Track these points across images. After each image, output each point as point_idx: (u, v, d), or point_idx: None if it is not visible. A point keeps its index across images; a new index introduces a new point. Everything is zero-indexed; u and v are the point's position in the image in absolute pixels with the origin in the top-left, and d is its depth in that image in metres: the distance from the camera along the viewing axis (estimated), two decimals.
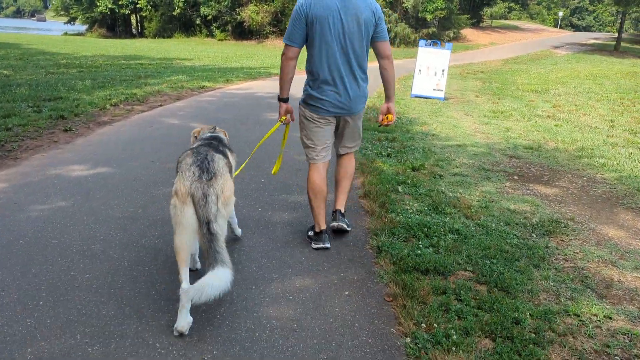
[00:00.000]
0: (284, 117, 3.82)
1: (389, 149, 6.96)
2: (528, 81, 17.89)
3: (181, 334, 2.74)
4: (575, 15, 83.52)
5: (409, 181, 5.49)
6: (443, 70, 12.29)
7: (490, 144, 7.68)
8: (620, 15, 34.11)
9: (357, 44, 3.53)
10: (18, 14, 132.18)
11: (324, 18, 3.42)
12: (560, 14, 64.36)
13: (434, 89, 12.26)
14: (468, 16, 38.17)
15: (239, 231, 3.98)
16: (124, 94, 10.70)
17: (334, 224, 3.96)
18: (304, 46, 3.61)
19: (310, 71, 3.66)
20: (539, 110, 11.23)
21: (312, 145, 3.79)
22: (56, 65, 17.29)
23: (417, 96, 12.34)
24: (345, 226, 4.01)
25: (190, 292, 2.60)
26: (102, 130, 7.62)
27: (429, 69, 12.34)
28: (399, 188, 5.27)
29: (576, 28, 78.49)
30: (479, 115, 10.33)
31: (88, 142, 6.83)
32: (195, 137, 3.75)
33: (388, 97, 3.85)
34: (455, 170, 6.13)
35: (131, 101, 10.18)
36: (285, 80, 3.67)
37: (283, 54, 3.58)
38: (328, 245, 3.78)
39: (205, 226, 2.70)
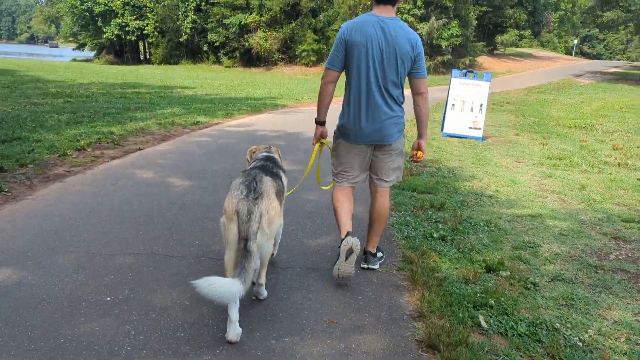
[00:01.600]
0: (318, 144, 3.85)
1: (439, 226, 4.81)
2: (564, 114, 15.76)
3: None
4: (586, 43, 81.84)
5: (491, 301, 3.33)
6: (481, 105, 10.20)
7: (574, 214, 5.51)
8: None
9: (392, 76, 3.46)
10: (32, 40, 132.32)
11: (362, 45, 3.41)
12: (575, 41, 62.55)
13: (471, 127, 10.15)
14: (484, 43, 36.35)
15: (275, 250, 3.82)
16: (99, 134, 8.68)
17: (364, 265, 3.85)
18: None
19: (345, 97, 3.63)
20: (601, 154, 9.07)
21: (341, 171, 3.79)
22: (43, 94, 15.39)
23: (450, 135, 10.23)
24: (376, 267, 3.88)
25: (199, 281, 2.57)
26: (45, 190, 5.52)
27: (464, 103, 10.25)
28: (481, 320, 3.11)
29: (587, 56, 76.70)
30: (533, 162, 8.18)
31: (10, 216, 4.71)
32: (252, 154, 3.85)
33: (420, 134, 3.81)
34: (551, 270, 3.96)
35: (104, 143, 8.13)
36: (322, 104, 3.65)
37: (323, 77, 3.57)
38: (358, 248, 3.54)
39: (242, 242, 2.78)
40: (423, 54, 3.53)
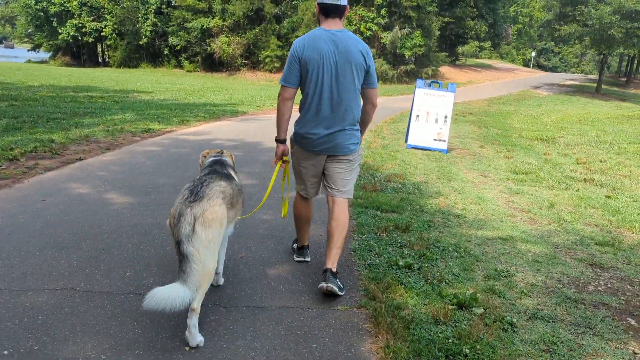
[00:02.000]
0: (280, 162, 3.80)
1: (405, 251, 4.35)
2: (526, 126, 15.73)
3: None
4: (542, 56, 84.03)
5: (465, 348, 2.86)
6: (446, 117, 9.87)
7: (546, 236, 5.14)
8: (602, 57, 32.88)
9: (348, 87, 3.49)
10: None
11: (315, 61, 3.42)
12: (533, 54, 64.05)
13: (435, 139, 9.80)
14: (446, 54, 36.57)
15: (220, 280, 3.53)
16: (38, 141, 7.91)
17: (323, 284, 3.42)
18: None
19: (300, 109, 3.63)
20: (566, 169, 8.86)
21: (299, 179, 3.84)
22: None
23: (414, 147, 9.86)
24: (336, 290, 3.44)
25: (145, 300, 2.49)
26: None
27: (428, 114, 9.90)
28: None
29: (543, 68, 78.74)
30: (499, 177, 7.86)
31: None
32: (203, 159, 3.75)
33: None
34: (528, 305, 3.53)
35: (41, 152, 7.38)
36: (282, 121, 3.63)
37: (279, 94, 3.53)
38: (308, 259, 4.02)
39: (177, 245, 2.71)
40: (373, 64, 3.61)
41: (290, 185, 4.04)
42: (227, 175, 3.22)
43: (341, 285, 3.55)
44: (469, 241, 4.79)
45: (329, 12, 3.47)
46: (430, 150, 9.75)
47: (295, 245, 4.19)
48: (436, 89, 10.00)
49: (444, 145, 9.75)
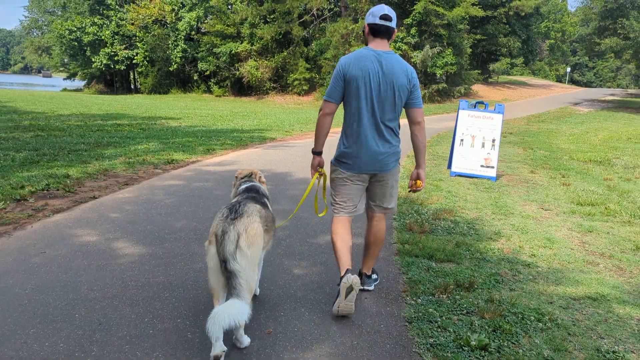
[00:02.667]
0: (317, 173, 3.83)
1: (475, 321, 3.42)
2: (574, 146, 14.57)
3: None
4: (576, 71, 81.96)
5: None
6: (494, 141, 8.92)
7: None
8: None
9: (389, 108, 3.52)
10: (25, 70, 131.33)
11: (360, 79, 3.46)
12: (568, 69, 62.20)
13: (482, 166, 8.85)
14: (479, 71, 35.48)
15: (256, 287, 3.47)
16: (52, 177, 7.31)
17: (359, 286, 3.57)
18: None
19: (343, 129, 3.64)
20: (637, 197, 7.77)
21: (340, 202, 3.73)
22: (15, 127, 14.10)
23: (459, 174, 8.92)
24: (371, 289, 3.93)
25: (208, 325, 2.51)
26: None
27: (474, 138, 8.97)
28: None
29: (577, 84, 76.63)
30: (562, 209, 6.86)
31: None
32: (236, 180, 3.82)
33: (418, 164, 3.77)
34: None
35: (53, 190, 6.75)
36: (320, 135, 3.69)
37: (321, 109, 3.60)
38: (358, 286, 3.50)
39: (222, 264, 2.73)
40: (418, 85, 3.60)
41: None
42: (262, 202, 3.30)
43: (375, 277, 4.03)
44: (551, 303, 3.83)
45: (378, 33, 3.54)
46: (477, 177, 8.79)
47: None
48: (482, 110, 9.07)
49: (492, 172, 8.78)
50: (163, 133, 13.91)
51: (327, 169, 3.84)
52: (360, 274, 3.89)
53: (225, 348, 2.71)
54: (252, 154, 10.84)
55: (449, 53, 30.98)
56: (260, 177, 3.82)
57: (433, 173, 9.10)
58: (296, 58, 33.73)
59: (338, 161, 3.70)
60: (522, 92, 38.13)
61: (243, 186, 3.59)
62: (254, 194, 3.38)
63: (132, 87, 48.08)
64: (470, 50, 33.95)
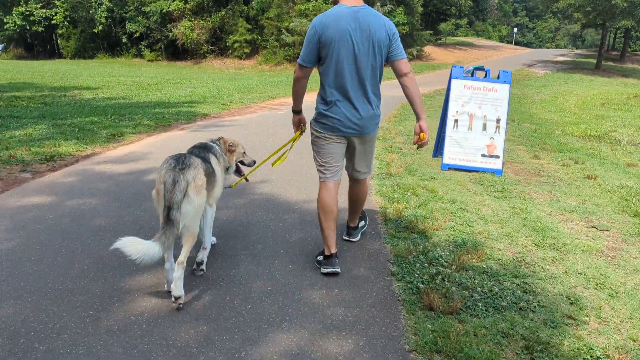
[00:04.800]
0: (299, 131, 3.77)
1: None
2: (557, 117, 12.58)
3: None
4: (517, 32, 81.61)
5: None
6: (499, 121, 6.54)
7: None
8: (602, 31, 29.84)
9: (369, 66, 3.32)
10: None
11: (336, 40, 3.23)
12: (515, 30, 61.01)
13: (484, 155, 6.47)
14: (431, 32, 33.13)
15: (212, 239, 3.65)
16: None
17: (346, 237, 4.06)
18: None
19: (321, 90, 3.46)
20: None
21: (323, 163, 3.56)
22: None
23: (454, 168, 6.52)
24: (354, 239, 4.06)
25: (120, 240, 2.67)
26: None
27: (472, 118, 6.55)
28: None
29: (518, 44, 76.31)
30: (622, 227, 4.60)
31: None
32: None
33: (418, 116, 3.50)
34: None
35: None
36: (297, 97, 3.58)
37: (295, 72, 3.42)
38: (338, 270, 3.45)
39: (166, 210, 2.81)
40: (398, 36, 3.37)
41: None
42: (203, 158, 3.25)
43: (362, 224, 4.16)
44: None
45: None
46: (477, 171, 6.43)
47: (320, 257, 3.60)
48: (482, 79, 6.62)
49: (497, 164, 6.43)
50: (66, 109, 10.74)
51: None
52: (347, 227, 4.05)
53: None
54: (172, 140, 7.99)
55: (400, 12, 28.44)
56: (231, 145, 3.71)
57: (419, 166, 6.65)
58: (235, 18, 30.16)
59: (317, 122, 3.50)
60: (474, 54, 36.17)
61: (196, 144, 3.54)
62: (197, 150, 3.38)
63: (55, 51, 42.74)
64: (422, 9, 31.51)
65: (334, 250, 3.47)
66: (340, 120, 3.37)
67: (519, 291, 3.27)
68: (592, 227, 4.63)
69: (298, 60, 3.38)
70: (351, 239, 4.02)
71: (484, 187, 5.78)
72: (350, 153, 3.62)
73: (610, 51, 40.23)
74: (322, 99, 3.45)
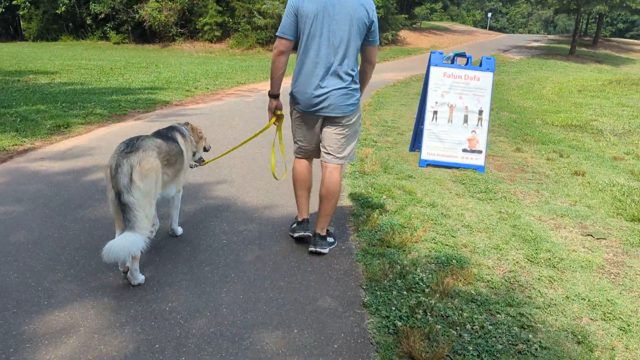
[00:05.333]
0: (273, 118, 3.52)
1: None
2: (535, 104, 12.13)
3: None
4: (491, 17, 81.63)
5: None
6: (481, 113, 5.97)
7: None
8: (576, 16, 29.58)
9: (346, 43, 3.14)
10: None
11: (313, 13, 3.09)
12: (489, 15, 60.75)
13: (466, 150, 5.91)
14: (406, 16, 32.42)
15: (178, 230, 3.65)
16: None
17: (311, 248, 3.47)
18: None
19: (297, 65, 3.28)
20: None
21: (297, 140, 3.52)
22: None
23: (432, 164, 5.94)
24: (325, 251, 3.48)
25: (103, 252, 2.52)
26: None
27: (452, 109, 5.96)
28: None
29: (492, 29, 76.32)
30: (619, 233, 4.10)
31: None
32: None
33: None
34: None
35: None
36: (276, 76, 3.30)
37: (274, 47, 3.23)
38: (310, 234, 3.54)
39: (117, 196, 2.72)
40: (377, 19, 3.24)
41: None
42: (168, 137, 3.19)
43: (332, 241, 3.60)
44: None
45: None
46: (458, 167, 5.87)
47: (294, 225, 3.71)
48: (463, 67, 6.02)
49: (480, 160, 5.87)
50: (14, 96, 9.81)
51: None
52: (314, 235, 3.52)
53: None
54: (124, 132, 7.20)
55: None
56: (200, 132, 3.64)
57: (395, 162, 6.05)
58: None
59: (292, 98, 3.38)
60: (450, 39, 35.65)
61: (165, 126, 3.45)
62: (163, 130, 3.30)
63: (18, 33, 40.68)
64: None
65: (306, 216, 3.61)
66: (308, 98, 3.23)
67: (515, 327, 2.70)
68: (588, 234, 4.11)
69: (277, 32, 3.20)
70: (317, 249, 3.45)
71: (466, 187, 5.21)
72: (323, 135, 3.42)
73: (583, 37, 40.18)
74: (296, 74, 3.31)
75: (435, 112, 5.94)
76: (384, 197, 4.69)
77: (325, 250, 3.48)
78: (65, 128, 7.21)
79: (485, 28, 62.04)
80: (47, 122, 7.48)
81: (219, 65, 19.48)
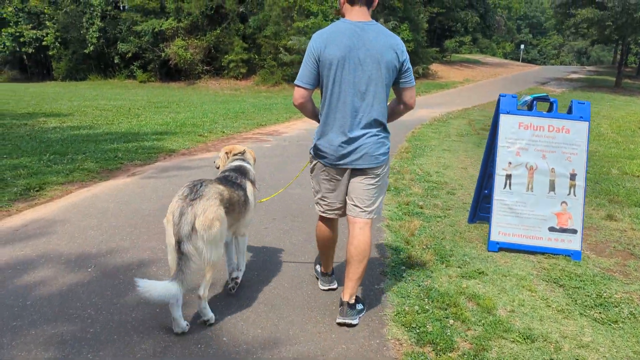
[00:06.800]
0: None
1: None
2: (601, 148, 10.31)
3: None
4: (523, 49, 79.97)
5: None
6: (573, 177, 4.30)
7: None
8: (618, 46, 27.70)
9: (374, 88, 2.86)
10: None
11: (337, 59, 2.81)
12: (522, 47, 59.02)
13: (553, 228, 4.21)
14: (437, 49, 31.05)
15: (242, 265, 3.44)
16: None
17: (340, 319, 3.00)
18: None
19: (321, 116, 3.01)
20: None
21: (320, 197, 3.19)
22: None
23: (506, 247, 4.25)
24: (355, 322, 3.01)
25: (140, 287, 2.49)
26: None
27: (533, 171, 4.31)
28: None
29: (524, 61, 74.55)
30: None
31: None
32: (226, 159, 3.55)
33: None
34: None
35: None
36: (309, 115, 3.12)
37: (294, 96, 3.01)
38: (335, 287, 3.42)
39: (177, 245, 2.67)
40: (409, 60, 2.93)
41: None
42: (235, 184, 3.12)
43: (361, 308, 3.13)
44: None
45: (356, 0, 2.84)
46: (543, 252, 4.17)
47: (318, 267, 3.57)
48: (546, 114, 4.37)
49: (574, 242, 4.16)
50: (4, 144, 8.60)
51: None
52: (341, 304, 3.05)
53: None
54: (107, 196, 5.73)
55: (404, 28, 26.39)
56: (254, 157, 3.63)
57: (451, 242, 4.38)
58: (231, 36, 28.19)
59: (315, 151, 3.09)
60: (483, 71, 34.00)
61: (232, 164, 3.39)
62: (232, 174, 3.21)
63: (49, 73, 40.91)
64: (427, 25, 29.52)
65: (329, 270, 3.44)
66: (336, 151, 2.94)
67: None
68: None
69: (295, 81, 2.94)
70: (347, 320, 2.98)
71: (566, 292, 3.50)
72: (350, 188, 3.09)
73: (624, 68, 38.04)
74: (321, 126, 3.04)
75: (508, 176, 4.28)
76: (450, 319, 3.03)
77: (356, 321, 3.03)
78: (37, 191, 5.81)
79: (517, 60, 60.29)
80: (18, 182, 6.12)
81: (241, 104, 18.28)
